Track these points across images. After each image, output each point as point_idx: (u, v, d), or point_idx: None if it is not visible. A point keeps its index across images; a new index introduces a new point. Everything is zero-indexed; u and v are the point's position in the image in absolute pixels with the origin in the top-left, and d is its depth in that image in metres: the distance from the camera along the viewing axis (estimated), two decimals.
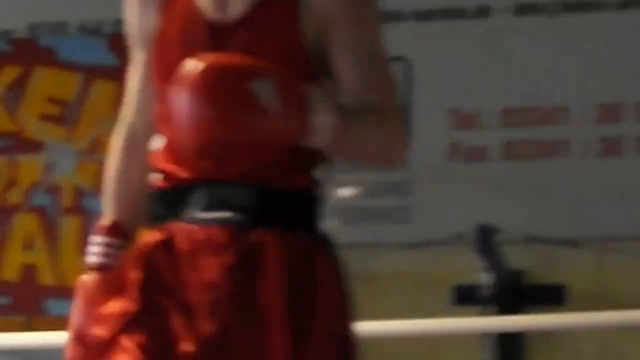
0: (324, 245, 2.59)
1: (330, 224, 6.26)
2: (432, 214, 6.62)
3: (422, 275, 6.52)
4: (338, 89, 2.58)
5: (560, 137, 6.59)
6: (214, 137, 2.43)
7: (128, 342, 2.53)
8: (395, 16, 6.71)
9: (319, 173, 2.61)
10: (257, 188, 2.55)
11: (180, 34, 2.60)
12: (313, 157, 2.59)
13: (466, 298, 6.39)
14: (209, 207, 2.55)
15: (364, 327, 5.26)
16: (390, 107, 2.61)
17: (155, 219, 2.59)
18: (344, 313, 2.62)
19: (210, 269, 2.51)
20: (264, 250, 2.52)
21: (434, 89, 6.66)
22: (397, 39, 6.26)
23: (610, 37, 6.60)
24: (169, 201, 2.60)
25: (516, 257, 6.41)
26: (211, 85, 2.40)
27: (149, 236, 2.59)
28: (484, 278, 6.36)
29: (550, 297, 6.38)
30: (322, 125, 2.47)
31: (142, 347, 2.52)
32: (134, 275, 2.55)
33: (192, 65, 2.40)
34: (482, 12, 6.71)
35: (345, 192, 6.75)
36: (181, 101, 2.40)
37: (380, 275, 6.53)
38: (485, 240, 6.26)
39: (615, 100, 6.56)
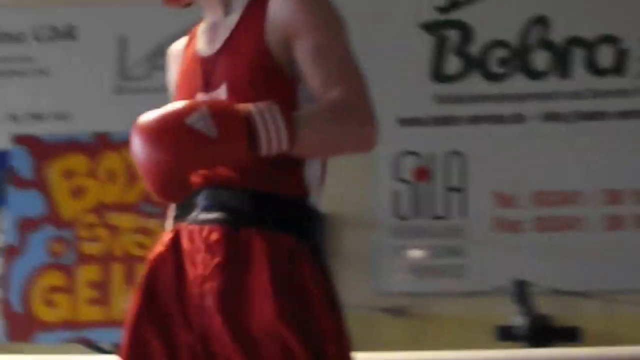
0: (310, 251, 2.44)
1: (404, 278, 6.74)
2: (480, 271, 6.51)
3: (472, 317, 6.41)
4: (308, 90, 2.43)
5: (576, 214, 6.51)
6: (168, 173, 2.30)
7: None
8: (454, 120, 6.68)
9: (308, 184, 2.48)
10: (249, 192, 2.43)
11: (186, 76, 2.54)
12: (299, 169, 2.46)
13: (505, 336, 6.23)
14: (207, 209, 2.44)
15: (429, 356, 5.28)
16: (351, 99, 2.39)
17: (174, 221, 2.48)
18: (328, 314, 2.41)
19: (204, 265, 2.40)
20: (251, 248, 2.39)
21: (482, 177, 6.59)
22: (455, 138, 6.67)
23: (614, 139, 6.50)
24: (182, 204, 2.46)
25: (543, 305, 6.27)
26: (152, 130, 2.27)
27: (164, 236, 2.48)
28: (519, 321, 6.21)
29: (568, 337, 6.23)
30: (273, 135, 2.31)
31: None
32: (143, 279, 2.46)
33: (140, 119, 2.30)
34: (519, 119, 6.62)
35: (416, 253, 6.66)
36: (134, 150, 2.29)
37: (440, 317, 6.50)
38: (521, 291, 6.17)
39: (617, 187, 6.47)
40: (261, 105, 2.29)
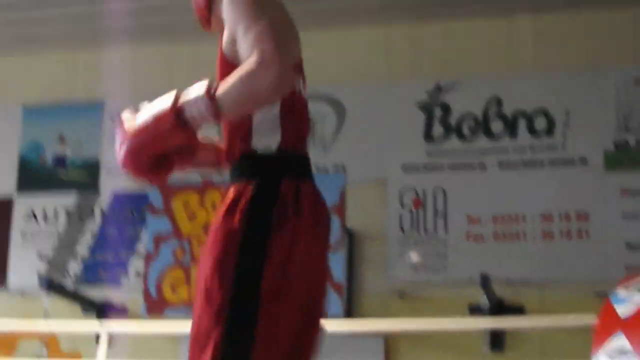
0: (252, 186, 2.23)
1: (406, 272, 6.50)
2: (457, 268, 6.54)
3: (452, 299, 6.43)
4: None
5: (520, 230, 6.55)
6: (137, 157, 2.24)
7: None
8: (439, 167, 6.74)
9: (256, 140, 2.28)
10: (232, 164, 2.31)
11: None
12: (247, 136, 2.28)
13: (474, 311, 6.35)
14: (225, 183, 2.35)
15: (422, 324, 5.83)
16: (257, 60, 2.10)
17: None
18: (243, 231, 2.18)
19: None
20: (224, 200, 2.28)
21: (458, 205, 6.67)
22: (440, 179, 6.72)
23: (547, 179, 6.58)
24: None
25: (499, 290, 6.31)
26: (127, 132, 2.22)
27: None
28: (483, 301, 6.28)
29: (516, 312, 6.34)
30: (197, 114, 2.14)
31: None
32: None
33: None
34: (482, 167, 6.71)
35: (414, 256, 6.62)
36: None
37: (430, 298, 6.53)
38: (485, 281, 6.16)
39: (549, 211, 6.52)
40: (190, 93, 2.18)
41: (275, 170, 2.27)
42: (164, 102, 2.23)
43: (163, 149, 2.23)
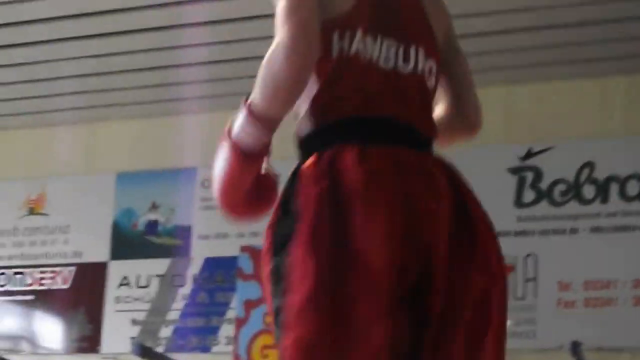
0: (296, 171, 2.18)
1: None
2: (547, 335, 6.74)
3: None
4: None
5: (612, 296, 6.75)
6: (222, 206, 2.30)
7: None
8: (530, 233, 7.02)
9: (300, 129, 2.22)
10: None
11: None
12: (298, 126, 2.23)
13: None
14: None
15: None
16: (276, 45, 2.08)
17: None
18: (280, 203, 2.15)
19: None
20: None
21: (549, 271, 6.90)
22: (531, 245, 6.98)
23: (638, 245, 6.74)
24: None
25: (591, 358, 6.18)
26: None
27: None
28: None
29: None
30: (242, 131, 2.14)
31: None
32: None
33: None
34: (574, 232, 6.94)
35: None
36: None
37: None
38: (576, 349, 6.05)
39: None
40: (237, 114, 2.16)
41: (307, 155, 2.21)
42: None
43: (243, 182, 2.20)
